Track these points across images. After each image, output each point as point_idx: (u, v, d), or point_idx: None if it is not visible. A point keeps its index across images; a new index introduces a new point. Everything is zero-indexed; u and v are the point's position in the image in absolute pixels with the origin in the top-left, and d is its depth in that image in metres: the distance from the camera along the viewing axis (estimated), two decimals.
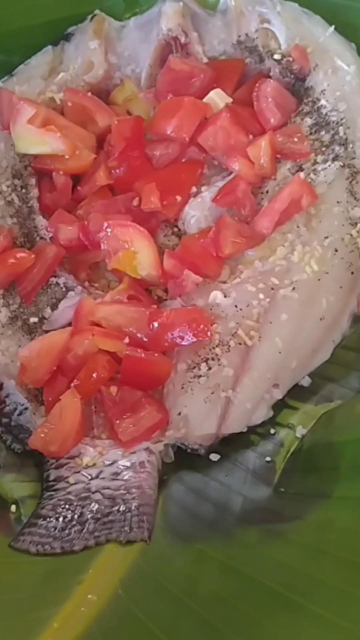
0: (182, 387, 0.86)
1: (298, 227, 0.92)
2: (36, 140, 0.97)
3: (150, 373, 0.86)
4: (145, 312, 0.88)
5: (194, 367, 0.87)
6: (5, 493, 0.85)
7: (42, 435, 0.84)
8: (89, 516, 0.80)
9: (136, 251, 0.91)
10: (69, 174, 0.98)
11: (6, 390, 0.89)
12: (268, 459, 0.87)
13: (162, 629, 0.70)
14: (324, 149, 0.95)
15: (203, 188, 0.97)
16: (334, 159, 0.94)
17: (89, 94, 1.04)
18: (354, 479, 0.78)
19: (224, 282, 0.91)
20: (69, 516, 0.80)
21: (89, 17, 1.09)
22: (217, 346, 0.87)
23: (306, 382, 0.91)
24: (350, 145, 0.95)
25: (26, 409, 0.88)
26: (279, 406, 0.89)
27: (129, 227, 0.91)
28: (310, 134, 0.96)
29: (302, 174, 0.94)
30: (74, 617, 0.71)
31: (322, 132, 0.96)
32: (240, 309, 0.88)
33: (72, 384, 0.86)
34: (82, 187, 0.99)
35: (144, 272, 0.91)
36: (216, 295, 0.89)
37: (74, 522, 0.80)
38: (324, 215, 0.92)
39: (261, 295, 0.89)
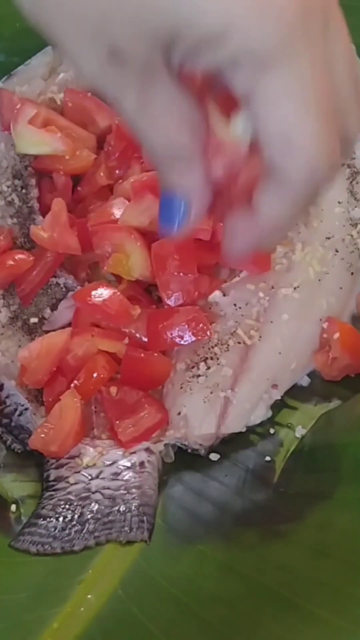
0: (181, 387, 0.86)
1: (297, 224, 0.91)
2: (37, 140, 0.96)
3: (150, 373, 0.86)
4: (145, 312, 0.88)
5: (193, 367, 0.87)
6: (5, 492, 0.85)
7: (42, 435, 0.84)
8: (89, 516, 0.80)
9: (128, 254, 0.91)
10: (69, 175, 0.98)
11: (6, 391, 0.88)
12: (268, 458, 0.86)
13: (162, 629, 0.70)
14: None
15: None
16: None
17: (89, 94, 1.04)
18: (355, 480, 0.78)
19: (224, 281, 0.91)
20: (69, 516, 0.80)
21: None
22: (215, 345, 0.87)
23: (305, 381, 0.91)
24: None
25: (26, 409, 0.88)
26: (278, 406, 0.89)
27: (119, 231, 0.91)
28: None
29: None
30: (73, 617, 0.71)
31: None
32: (240, 307, 0.88)
33: (72, 385, 0.86)
34: (82, 187, 0.99)
35: (136, 274, 0.91)
36: (215, 294, 0.89)
37: (74, 522, 0.80)
38: (325, 215, 0.92)
39: (261, 294, 0.89)
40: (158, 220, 0.55)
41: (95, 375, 0.86)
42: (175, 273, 0.88)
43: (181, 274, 0.88)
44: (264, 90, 0.46)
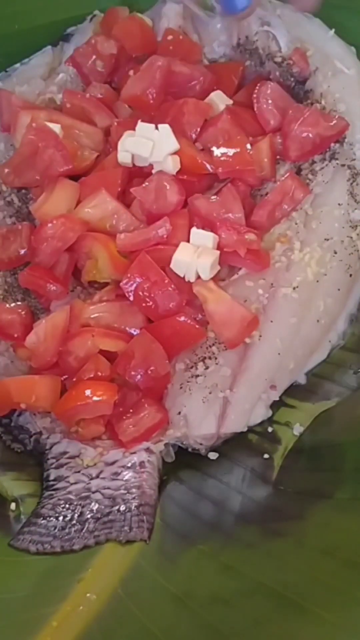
0: (181, 387, 0.87)
1: (296, 224, 0.92)
2: None
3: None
4: (133, 307, 0.88)
5: (192, 367, 0.87)
6: (5, 491, 0.85)
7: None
8: (89, 516, 0.80)
9: (96, 258, 0.91)
10: (69, 175, 0.98)
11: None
12: (266, 456, 0.87)
13: (161, 628, 0.70)
14: None
15: None
16: (331, 158, 0.94)
17: (88, 95, 1.03)
18: (356, 480, 0.78)
19: (222, 280, 0.90)
20: (69, 515, 0.80)
21: (89, 17, 1.09)
22: (213, 345, 0.87)
23: (302, 379, 0.92)
24: (350, 147, 0.94)
25: (26, 410, 0.88)
26: (277, 405, 0.90)
27: (84, 238, 0.91)
28: None
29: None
30: (73, 615, 0.71)
31: None
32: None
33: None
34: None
35: (106, 276, 0.91)
36: None
37: (74, 522, 0.80)
38: (324, 217, 0.92)
39: (260, 291, 0.89)
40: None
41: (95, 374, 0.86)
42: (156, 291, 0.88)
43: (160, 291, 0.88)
44: None
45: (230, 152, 0.93)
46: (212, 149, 0.93)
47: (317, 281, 0.90)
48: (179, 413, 0.86)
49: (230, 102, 0.99)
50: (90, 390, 0.84)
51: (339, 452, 0.81)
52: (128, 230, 0.92)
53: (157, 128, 0.92)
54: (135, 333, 0.88)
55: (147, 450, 0.85)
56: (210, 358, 0.87)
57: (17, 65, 1.08)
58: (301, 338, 0.90)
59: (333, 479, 0.79)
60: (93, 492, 0.82)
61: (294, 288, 0.89)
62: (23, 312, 0.92)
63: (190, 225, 0.90)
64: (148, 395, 0.86)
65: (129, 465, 0.84)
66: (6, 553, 0.78)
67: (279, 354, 0.88)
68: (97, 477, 0.83)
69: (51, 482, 0.84)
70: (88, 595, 0.73)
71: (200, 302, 0.87)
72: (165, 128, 0.91)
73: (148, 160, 0.92)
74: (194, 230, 0.89)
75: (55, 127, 0.94)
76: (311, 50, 1.00)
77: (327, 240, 0.91)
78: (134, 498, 0.81)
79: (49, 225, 0.90)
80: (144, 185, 0.92)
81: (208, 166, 0.93)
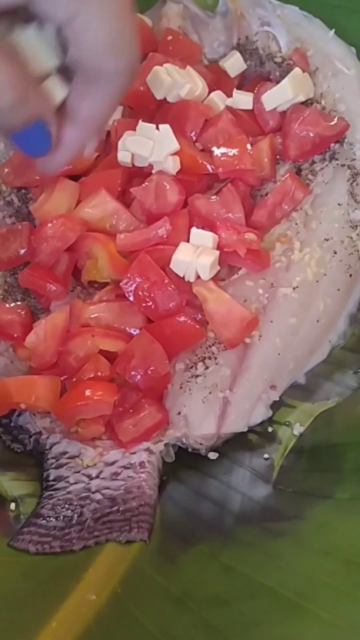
0: (181, 387, 0.86)
1: (296, 224, 0.92)
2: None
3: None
4: (133, 307, 0.88)
5: (192, 367, 0.87)
6: (4, 491, 0.85)
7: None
8: (89, 516, 0.80)
9: (96, 258, 0.91)
10: (69, 175, 0.98)
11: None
12: (266, 456, 0.87)
13: (161, 628, 0.69)
14: None
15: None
16: (331, 158, 0.94)
17: None
18: (356, 480, 0.78)
19: (222, 280, 0.90)
20: (69, 516, 0.80)
21: None
22: (213, 344, 0.87)
23: (302, 379, 0.92)
24: (350, 147, 0.95)
25: (26, 410, 0.88)
26: (277, 404, 0.89)
27: (85, 238, 0.91)
28: None
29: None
30: (72, 616, 0.71)
31: None
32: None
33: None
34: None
35: (106, 276, 0.91)
36: None
37: (74, 522, 0.80)
38: (324, 217, 0.92)
39: (260, 291, 0.89)
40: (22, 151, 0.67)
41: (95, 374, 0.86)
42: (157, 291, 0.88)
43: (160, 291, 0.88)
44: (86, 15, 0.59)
45: (231, 152, 0.93)
46: (212, 149, 0.94)
47: (317, 281, 0.90)
48: (179, 413, 0.86)
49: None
50: (90, 390, 0.84)
51: (338, 452, 0.81)
52: (128, 230, 0.92)
53: (157, 128, 0.92)
54: (135, 333, 0.88)
55: (147, 450, 0.84)
56: (210, 358, 0.87)
57: None
58: (301, 338, 0.90)
59: (333, 479, 0.79)
60: (93, 493, 0.82)
61: (294, 288, 0.89)
62: (23, 312, 0.92)
63: (190, 225, 0.90)
64: (148, 395, 0.86)
65: (129, 465, 0.83)
66: (6, 553, 0.78)
67: (278, 354, 0.88)
68: (97, 477, 0.83)
69: (51, 482, 0.84)
70: (88, 595, 0.73)
71: (200, 302, 0.87)
72: (165, 128, 0.91)
73: (148, 160, 0.93)
74: (194, 230, 0.89)
75: None
76: (311, 50, 1.00)
77: (327, 240, 0.91)
78: (134, 498, 0.81)
79: (49, 225, 0.90)
80: (144, 185, 0.92)
81: (208, 166, 0.93)
